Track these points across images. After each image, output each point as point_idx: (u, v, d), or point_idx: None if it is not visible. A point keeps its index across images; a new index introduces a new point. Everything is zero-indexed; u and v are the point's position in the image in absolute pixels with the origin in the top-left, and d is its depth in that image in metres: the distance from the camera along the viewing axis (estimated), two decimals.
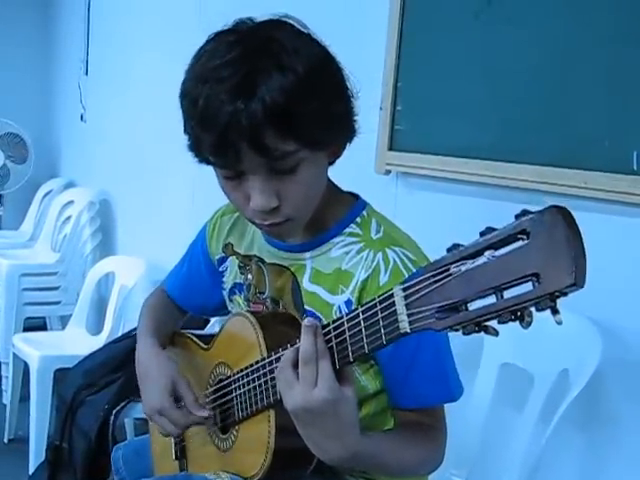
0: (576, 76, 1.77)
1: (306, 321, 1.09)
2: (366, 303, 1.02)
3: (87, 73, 4.52)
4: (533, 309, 0.86)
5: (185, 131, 1.23)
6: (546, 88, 1.84)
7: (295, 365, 1.09)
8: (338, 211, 1.32)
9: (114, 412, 2.83)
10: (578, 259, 0.82)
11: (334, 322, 1.07)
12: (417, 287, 0.95)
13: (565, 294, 0.83)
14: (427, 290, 0.93)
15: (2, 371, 3.90)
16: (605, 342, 1.62)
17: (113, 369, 2.94)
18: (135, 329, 3.04)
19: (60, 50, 5.09)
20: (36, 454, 3.22)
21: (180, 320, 1.66)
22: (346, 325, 1.05)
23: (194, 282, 1.57)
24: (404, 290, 0.96)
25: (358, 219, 1.31)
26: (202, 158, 1.22)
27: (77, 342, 3.50)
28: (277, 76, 1.11)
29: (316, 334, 1.07)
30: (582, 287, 0.82)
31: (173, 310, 1.64)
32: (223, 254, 1.48)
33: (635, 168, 1.62)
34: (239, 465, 1.32)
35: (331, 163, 1.29)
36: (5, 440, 3.59)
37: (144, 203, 3.97)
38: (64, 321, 4.14)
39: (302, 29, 1.21)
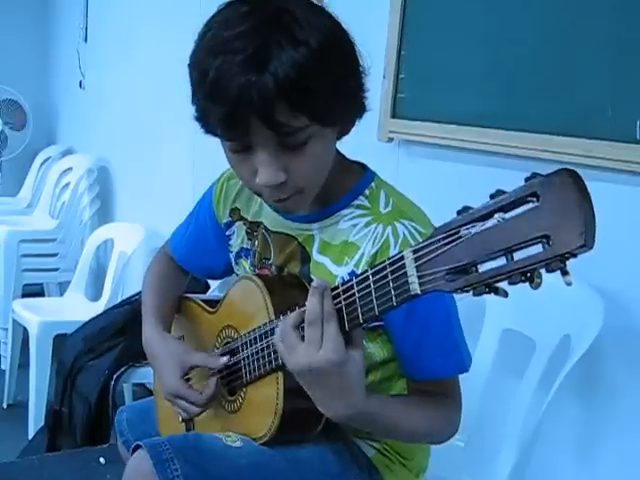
0: (579, 44, 1.77)
1: (314, 282, 1.10)
2: (376, 266, 1.03)
3: (86, 40, 4.50)
4: (543, 270, 0.88)
5: (193, 101, 1.20)
6: (549, 56, 1.84)
7: (296, 327, 1.11)
8: (346, 182, 1.32)
9: (114, 377, 2.85)
10: (588, 221, 0.83)
11: (343, 285, 1.08)
12: (427, 249, 0.96)
13: (575, 255, 0.84)
14: (437, 252, 0.94)
15: (1, 337, 3.91)
16: (607, 309, 1.64)
17: (113, 334, 2.96)
18: (135, 295, 3.09)
19: (59, 17, 5.05)
20: (35, 419, 3.24)
21: (184, 284, 1.66)
22: (356, 288, 1.06)
23: (201, 244, 1.57)
24: (414, 252, 0.97)
25: (367, 191, 1.31)
26: (209, 129, 1.20)
27: (76, 308, 3.52)
28: (290, 50, 1.09)
29: (323, 295, 1.08)
30: (591, 248, 0.84)
31: (177, 276, 1.64)
32: (230, 219, 1.48)
33: (638, 137, 1.62)
34: (247, 426, 1.33)
35: (339, 138, 1.27)
36: (4, 405, 3.62)
37: (143, 170, 3.97)
38: (62, 288, 4.16)
39: (315, 1, 1.20)
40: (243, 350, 1.34)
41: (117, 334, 2.98)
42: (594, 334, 1.59)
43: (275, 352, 1.23)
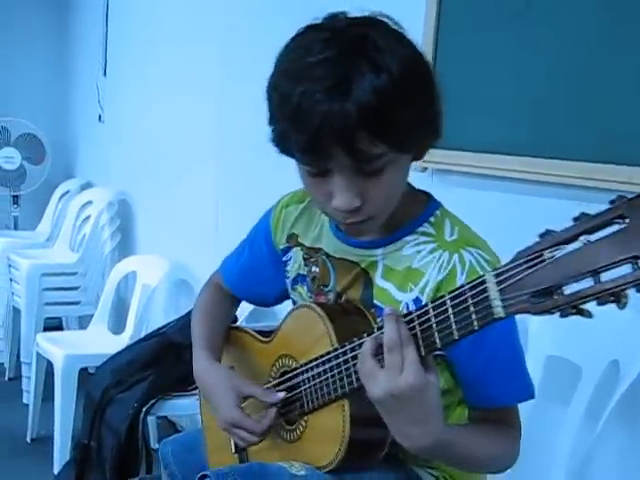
0: (612, 72, 1.78)
1: (387, 309, 1.11)
2: (452, 292, 1.04)
3: (105, 74, 4.54)
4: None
5: (270, 123, 1.23)
6: (581, 85, 1.85)
7: (375, 354, 1.11)
8: (412, 210, 1.33)
9: (144, 410, 2.84)
10: None
11: (417, 311, 1.09)
12: (510, 273, 0.97)
13: None
14: (520, 276, 0.96)
15: (24, 371, 3.91)
16: None
17: (142, 367, 2.95)
18: (162, 327, 3.08)
19: (78, 51, 5.11)
20: (61, 453, 3.23)
21: (234, 313, 1.67)
22: (432, 312, 1.07)
23: (256, 271, 1.57)
24: (496, 277, 0.98)
25: (432, 219, 1.32)
26: (286, 152, 1.22)
27: (100, 341, 3.52)
28: (371, 77, 1.11)
29: (398, 321, 1.09)
30: None
31: (227, 305, 1.65)
32: (287, 244, 1.49)
33: None
34: (310, 455, 1.33)
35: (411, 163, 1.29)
36: (28, 440, 3.60)
37: (164, 203, 3.99)
38: (82, 322, 4.17)
39: (396, 28, 1.21)
40: (303, 378, 1.33)
41: (145, 367, 2.97)
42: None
43: (341, 380, 1.24)
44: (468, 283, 1.02)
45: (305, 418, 1.36)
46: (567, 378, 1.77)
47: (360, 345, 1.18)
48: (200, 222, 3.57)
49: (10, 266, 4.16)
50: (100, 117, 4.60)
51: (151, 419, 3.15)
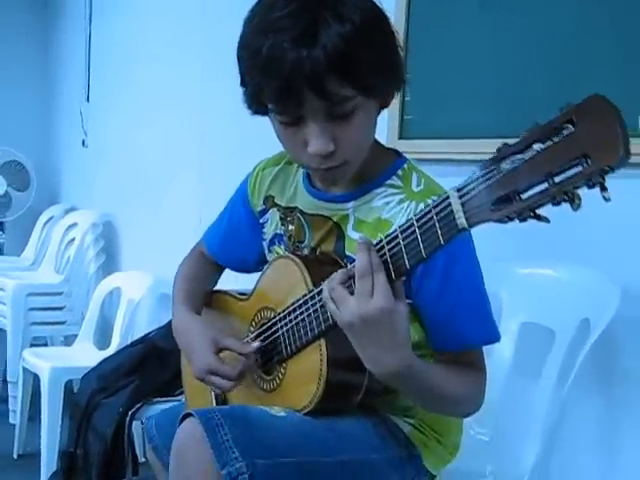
0: (582, 58, 1.86)
1: (359, 238, 1.17)
2: (419, 212, 1.09)
3: (88, 99, 4.62)
4: (580, 192, 0.95)
5: (242, 83, 1.31)
6: (552, 70, 1.93)
7: (343, 284, 1.16)
8: (380, 164, 1.40)
9: (129, 414, 2.86)
10: (623, 135, 0.91)
11: (386, 237, 1.15)
12: (471, 187, 1.03)
13: (613, 169, 0.92)
14: (480, 188, 1.02)
15: (10, 391, 3.91)
16: (625, 300, 1.68)
17: (127, 372, 2.98)
18: (148, 334, 3.12)
19: (62, 78, 5.20)
20: (48, 467, 3.22)
21: (215, 280, 1.71)
22: (400, 237, 1.12)
23: (235, 235, 1.62)
24: (458, 191, 1.04)
25: (399, 171, 1.39)
26: (259, 108, 1.30)
27: (86, 355, 3.53)
28: (336, 25, 1.19)
29: (370, 249, 1.15)
30: (629, 159, 0.91)
31: (209, 270, 1.69)
32: (264, 206, 1.54)
33: None
34: (289, 399, 1.37)
35: (378, 112, 1.37)
36: (14, 456, 3.60)
37: (147, 220, 4.04)
38: (67, 342, 4.18)
39: None
40: (281, 325, 1.38)
41: (131, 372, 2.99)
42: (611, 313, 1.64)
43: (317, 319, 1.28)
44: (433, 201, 1.07)
45: (284, 365, 1.40)
46: (542, 342, 1.82)
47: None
48: (184, 237, 3.59)
49: None
50: (84, 142, 4.67)
51: (137, 424, 3.16)
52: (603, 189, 0.94)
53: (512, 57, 2.03)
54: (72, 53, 4.92)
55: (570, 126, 0.95)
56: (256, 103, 1.31)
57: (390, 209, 1.36)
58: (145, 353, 3.02)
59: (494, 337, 1.37)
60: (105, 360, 3.09)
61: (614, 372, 1.80)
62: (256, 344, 1.42)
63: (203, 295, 1.64)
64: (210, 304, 1.65)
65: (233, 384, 1.43)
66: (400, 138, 2.34)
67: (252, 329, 1.49)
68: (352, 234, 1.38)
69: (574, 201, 0.96)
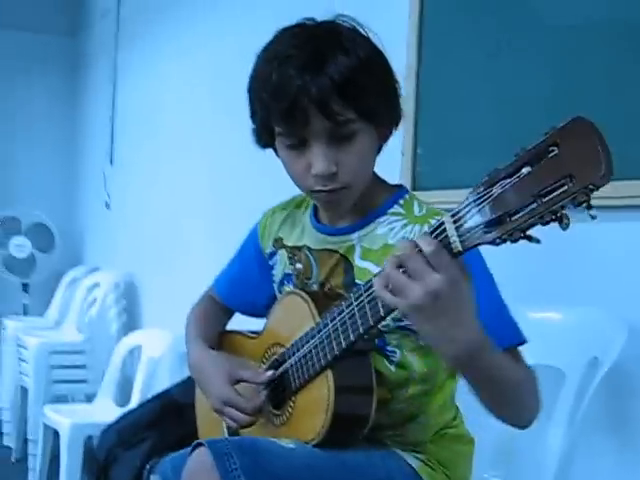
0: (588, 106, 1.91)
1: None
2: (421, 235, 1.11)
3: (112, 162, 4.73)
4: (569, 214, 0.99)
5: (252, 116, 1.41)
6: (561, 118, 1.98)
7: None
8: (382, 195, 1.46)
9: (147, 467, 2.87)
10: (606, 154, 0.95)
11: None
12: (464, 211, 1.07)
13: (597, 187, 0.96)
14: (473, 212, 1.06)
15: (30, 449, 3.93)
16: (631, 336, 1.70)
17: (145, 427, 2.98)
18: (167, 389, 3.15)
19: (86, 140, 5.35)
20: None
21: (225, 323, 1.74)
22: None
23: (245, 279, 1.67)
24: (452, 217, 1.08)
25: (401, 201, 1.44)
26: (268, 137, 1.40)
27: (106, 412, 3.55)
28: (342, 57, 1.30)
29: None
30: (611, 178, 0.95)
31: (219, 314, 1.73)
32: (273, 248, 1.59)
33: None
34: (298, 431, 1.38)
35: (379, 149, 1.44)
36: None
37: (168, 281, 4.10)
38: (89, 400, 4.21)
39: (357, 27, 1.40)
40: (289, 358, 1.41)
41: (149, 426, 3.00)
42: (619, 348, 1.66)
43: (322, 350, 1.31)
44: (429, 228, 1.11)
45: (293, 399, 1.42)
46: (552, 382, 1.82)
47: (338, 312, 1.28)
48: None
49: (19, 346, 4.24)
50: (107, 204, 4.77)
51: (154, 478, 3.16)
52: (589, 207, 0.98)
53: (520, 106, 2.08)
54: (97, 117, 5.08)
55: (555, 148, 1.00)
56: (265, 132, 1.39)
57: (395, 234, 1.40)
58: (164, 408, 3.03)
59: (524, 338, 1.33)
60: (124, 415, 3.10)
61: (626, 412, 1.80)
62: (270, 373, 1.45)
63: (215, 334, 1.68)
64: (221, 344, 1.68)
65: (249, 418, 1.45)
66: (413, 190, 2.39)
67: (263, 366, 1.51)
68: (360, 263, 1.42)
69: (562, 221, 1.00)
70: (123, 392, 3.86)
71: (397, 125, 1.43)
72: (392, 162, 2.26)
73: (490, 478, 1.85)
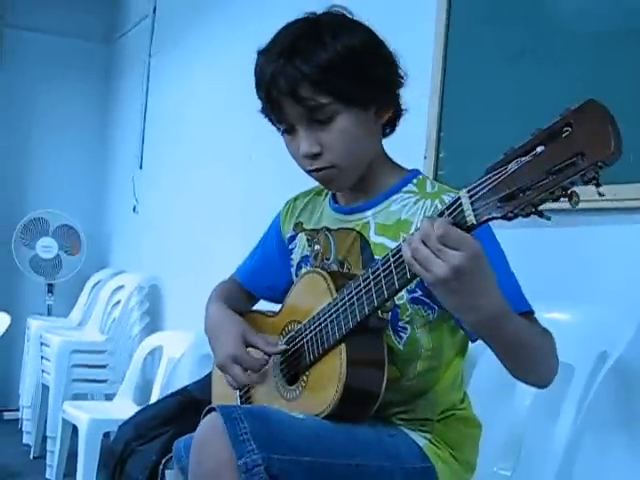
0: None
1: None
2: (436, 211, 1.19)
3: (141, 167, 4.82)
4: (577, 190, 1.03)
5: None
6: None
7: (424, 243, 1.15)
8: (396, 176, 1.52)
9: (163, 462, 2.90)
10: (615, 134, 0.99)
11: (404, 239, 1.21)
12: (480, 187, 1.12)
13: (606, 165, 1.00)
14: (488, 187, 1.11)
15: (49, 446, 3.98)
16: (638, 333, 1.73)
17: (163, 422, 3.01)
18: (187, 386, 3.18)
19: (117, 145, 5.44)
20: None
21: (247, 306, 1.77)
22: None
23: (266, 265, 1.72)
24: (469, 192, 1.13)
25: (415, 180, 1.50)
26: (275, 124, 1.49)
27: (125, 410, 3.59)
28: (315, 47, 1.38)
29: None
30: (619, 157, 0.99)
31: (240, 296, 1.77)
32: (294, 232, 1.64)
33: None
34: (309, 405, 1.42)
35: (385, 134, 1.51)
36: None
37: (192, 285, 4.13)
38: (108, 400, 4.26)
39: (350, 18, 1.48)
40: (305, 333, 1.45)
41: (167, 422, 3.03)
42: (627, 340, 1.70)
43: (338, 323, 1.35)
44: (448, 201, 1.17)
45: (306, 373, 1.46)
46: (561, 377, 1.85)
47: (355, 285, 1.32)
48: None
49: (42, 344, 4.31)
50: (135, 208, 4.84)
51: (169, 472, 3.19)
52: (597, 185, 1.02)
53: (542, 111, 2.11)
54: (128, 122, 5.17)
55: (569, 128, 1.04)
56: (271, 120, 1.48)
57: (408, 210, 1.46)
58: (182, 404, 3.07)
59: (532, 308, 1.37)
60: (143, 409, 3.13)
61: (634, 407, 1.82)
62: (282, 346, 1.50)
63: (236, 310, 1.70)
64: None
65: (250, 378, 1.51)
66: None
67: (279, 341, 1.55)
68: (375, 238, 1.47)
69: (572, 198, 1.04)
70: (143, 393, 3.90)
71: (396, 110, 1.49)
72: (415, 165, 2.30)
73: (499, 471, 1.87)
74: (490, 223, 1.11)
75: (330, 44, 1.38)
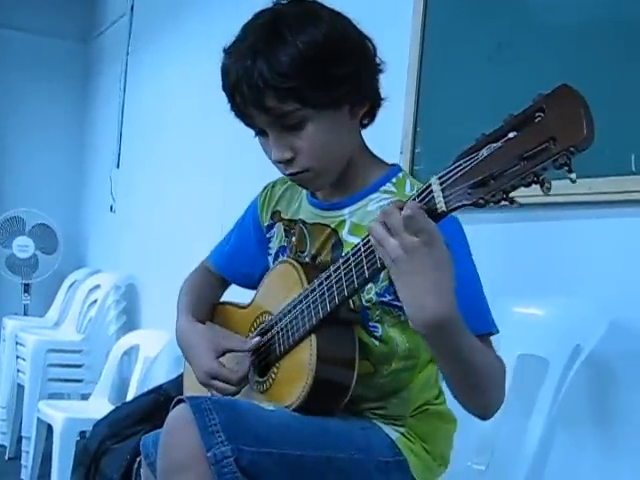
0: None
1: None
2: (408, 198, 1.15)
3: (119, 166, 4.79)
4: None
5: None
6: None
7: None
8: (375, 172, 1.48)
9: (137, 460, 2.88)
10: (588, 119, 0.99)
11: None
12: (450, 174, 1.10)
13: (578, 150, 0.99)
14: (459, 174, 1.09)
15: (24, 446, 3.93)
16: (617, 335, 1.74)
17: (138, 420, 3.00)
18: (162, 384, 3.16)
19: (94, 144, 5.41)
20: None
21: (220, 295, 1.76)
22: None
23: (242, 251, 1.69)
24: (439, 178, 1.11)
25: (394, 179, 1.47)
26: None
27: (100, 409, 3.57)
28: (277, 46, 1.31)
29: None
30: (592, 142, 0.98)
31: (213, 284, 1.75)
32: (271, 221, 1.61)
33: (634, 169, 1.78)
34: (279, 397, 1.41)
35: (364, 125, 1.46)
36: None
37: (169, 284, 4.10)
38: (84, 400, 4.23)
39: (314, 6, 1.41)
40: (276, 325, 1.44)
41: (142, 420, 3.02)
42: (600, 334, 1.70)
43: (309, 313, 1.34)
44: (418, 189, 1.14)
45: (277, 365, 1.44)
46: (537, 371, 1.85)
47: (325, 276, 1.31)
48: None
49: (17, 344, 4.27)
50: (112, 207, 4.82)
51: (144, 471, 3.17)
52: (570, 171, 1.01)
53: (519, 106, 2.11)
54: (105, 120, 5.14)
55: (541, 114, 1.03)
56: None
57: None
58: (157, 402, 3.05)
59: (495, 327, 1.35)
60: (117, 408, 3.12)
61: (606, 402, 1.83)
62: (256, 339, 1.47)
63: (207, 306, 1.70)
64: (214, 316, 1.71)
65: (234, 389, 1.47)
66: None
67: (251, 334, 1.54)
68: (348, 238, 1.45)
69: (543, 184, 1.03)
70: (119, 392, 3.88)
71: (373, 102, 1.44)
72: (391, 159, 2.30)
73: (473, 465, 1.87)
74: (466, 230, 1.10)
75: (292, 43, 1.31)
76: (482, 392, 1.28)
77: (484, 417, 1.34)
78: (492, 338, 1.35)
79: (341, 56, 1.36)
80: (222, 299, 1.77)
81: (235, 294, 1.77)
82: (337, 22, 1.39)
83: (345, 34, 1.39)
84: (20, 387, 4.23)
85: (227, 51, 1.39)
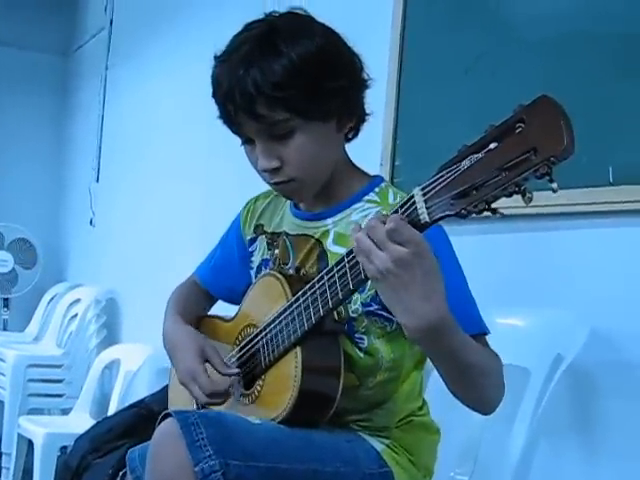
0: None
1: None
2: (393, 209, 1.16)
3: (98, 180, 4.78)
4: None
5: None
6: None
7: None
8: (358, 183, 1.49)
9: (120, 474, 2.86)
10: (568, 129, 1.00)
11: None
12: (433, 185, 1.11)
13: (559, 160, 1.00)
14: (441, 185, 1.10)
15: (3, 462, 3.92)
16: (599, 345, 1.76)
17: (120, 435, 2.98)
18: (144, 398, 3.15)
19: (73, 158, 5.39)
20: None
21: (206, 308, 1.77)
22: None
23: (225, 266, 1.70)
24: (422, 189, 1.12)
25: (377, 189, 1.48)
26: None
27: (81, 424, 3.54)
28: (271, 57, 1.33)
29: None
30: (572, 153, 1.00)
31: (199, 297, 1.75)
32: (254, 234, 1.62)
33: (611, 180, 1.80)
34: (265, 409, 1.41)
35: (348, 139, 1.48)
36: None
37: (150, 298, 4.09)
38: (65, 414, 4.20)
39: (308, 20, 1.43)
40: (260, 338, 1.44)
41: (124, 435, 3.00)
42: (581, 343, 1.72)
43: (294, 326, 1.34)
44: (401, 200, 1.15)
45: (262, 377, 1.45)
46: (518, 381, 1.86)
47: (309, 287, 1.32)
48: None
49: None
50: (91, 221, 4.80)
51: None
52: (551, 181, 1.02)
53: (497, 118, 2.13)
54: (85, 134, 5.13)
55: (522, 124, 1.04)
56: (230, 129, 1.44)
57: None
58: (139, 416, 3.03)
59: (486, 328, 1.36)
60: (99, 422, 3.09)
61: (587, 411, 1.84)
62: (235, 370, 1.48)
63: (194, 317, 1.70)
64: (199, 329, 1.68)
65: (208, 400, 1.48)
66: None
67: (235, 348, 1.54)
68: (332, 248, 1.45)
69: (524, 194, 1.04)
70: (100, 406, 3.86)
71: (359, 117, 1.46)
72: (372, 172, 2.31)
73: (456, 476, 1.87)
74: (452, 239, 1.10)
75: (286, 55, 1.33)
76: (480, 388, 1.30)
77: (485, 412, 1.36)
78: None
79: (334, 70, 1.38)
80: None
81: (223, 308, 1.77)
82: (330, 36, 1.42)
83: (338, 48, 1.42)
84: (0, 403, 4.20)
85: (219, 60, 1.40)
